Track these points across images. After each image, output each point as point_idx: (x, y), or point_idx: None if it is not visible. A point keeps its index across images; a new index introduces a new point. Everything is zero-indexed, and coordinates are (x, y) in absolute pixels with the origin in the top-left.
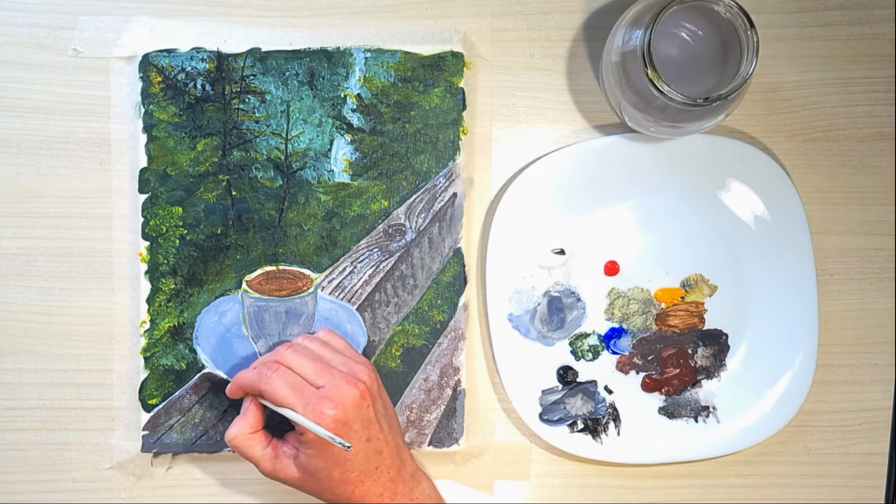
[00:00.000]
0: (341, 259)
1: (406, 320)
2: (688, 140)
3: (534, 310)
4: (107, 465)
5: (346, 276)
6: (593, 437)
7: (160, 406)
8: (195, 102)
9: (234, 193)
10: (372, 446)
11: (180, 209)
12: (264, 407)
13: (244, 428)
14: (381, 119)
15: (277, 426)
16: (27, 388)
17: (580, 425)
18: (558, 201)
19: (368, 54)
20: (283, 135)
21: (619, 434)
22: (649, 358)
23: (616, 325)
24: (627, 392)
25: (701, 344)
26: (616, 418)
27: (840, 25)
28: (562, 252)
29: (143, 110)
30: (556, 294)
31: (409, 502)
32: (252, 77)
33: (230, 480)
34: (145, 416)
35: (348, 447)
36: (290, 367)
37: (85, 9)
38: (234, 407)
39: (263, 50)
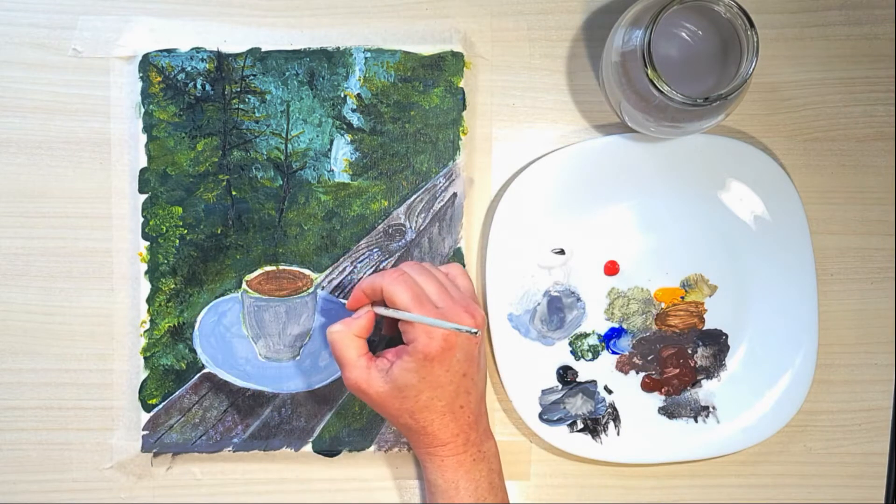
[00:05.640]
0: (341, 259)
1: None
2: (688, 140)
3: (534, 310)
4: (107, 465)
5: (346, 275)
6: (593, 437)
7: (160, 406)
8: (195, 102)
9: (234, 193)
10: (465, 383)
11: (180, 209)
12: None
13: (351, 328)
14: (381, 119)
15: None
16: (27, 388)
17: (580, 425)
18: (558, 201)
19: (368, 54)
20: (283, 135)
21: (618, 434)
22: (649, 358)
23: (616, 325)
24: (627, 392)
25: (701, 344)
26: (616, 418)
27: (840, 25)
28: (562, 252)
29: (143, 110)
30: (556, 294)
31: (477, 452)
32: (252, 77)
33: (230, 480)
34: (145, 416)
35: (475, 332)
36: (415, 281)
37: (85, 9)
38: (235, 407)
39: (263, 50)
